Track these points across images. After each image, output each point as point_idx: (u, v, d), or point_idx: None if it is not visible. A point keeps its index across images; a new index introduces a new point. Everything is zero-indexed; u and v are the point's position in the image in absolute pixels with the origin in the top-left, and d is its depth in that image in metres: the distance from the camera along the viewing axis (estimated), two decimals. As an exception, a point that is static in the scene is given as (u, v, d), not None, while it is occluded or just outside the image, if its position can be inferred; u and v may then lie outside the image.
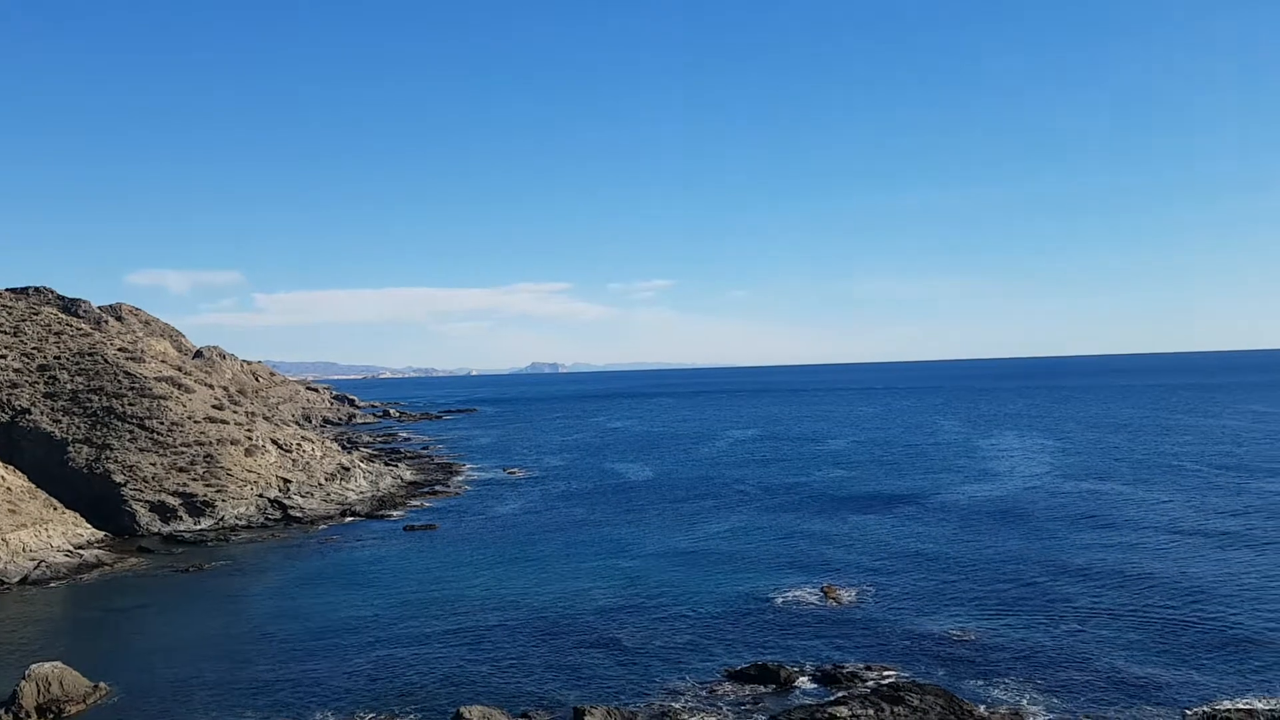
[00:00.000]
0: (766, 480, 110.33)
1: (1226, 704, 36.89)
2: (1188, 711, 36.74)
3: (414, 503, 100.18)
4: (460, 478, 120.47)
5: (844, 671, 42.09)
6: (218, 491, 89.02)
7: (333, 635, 51.61)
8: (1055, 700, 38.87)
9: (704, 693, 40.95)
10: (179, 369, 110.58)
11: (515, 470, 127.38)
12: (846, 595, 56.15)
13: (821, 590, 57.24)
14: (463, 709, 37.76)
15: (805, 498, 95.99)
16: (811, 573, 62.33)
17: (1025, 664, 43.16)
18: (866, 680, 41.12)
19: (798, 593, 57.18)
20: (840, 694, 39.66)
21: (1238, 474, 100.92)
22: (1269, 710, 35.41)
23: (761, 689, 40.99)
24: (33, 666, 42.11)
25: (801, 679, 41.98)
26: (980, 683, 41.03)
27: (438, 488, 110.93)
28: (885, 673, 42.09)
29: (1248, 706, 36.27)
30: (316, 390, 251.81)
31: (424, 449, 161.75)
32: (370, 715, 39.78)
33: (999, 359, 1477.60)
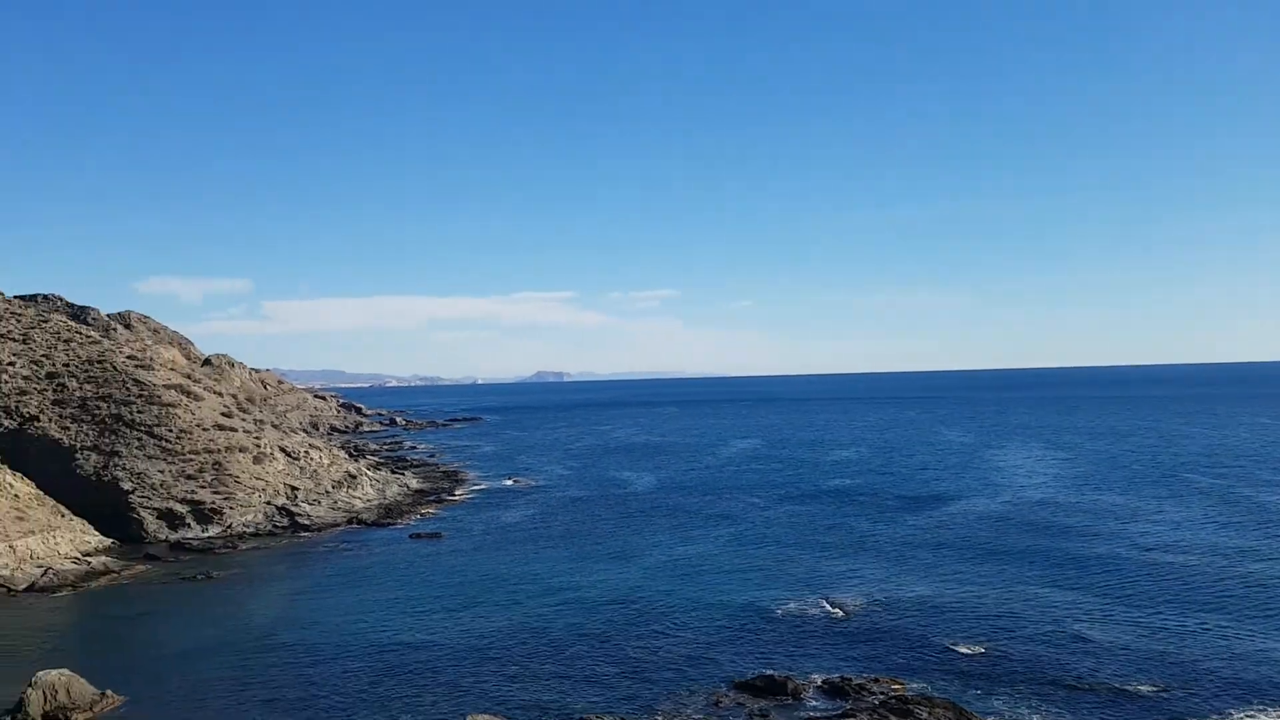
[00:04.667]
0: (770, 490, 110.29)
1: (1231, 716, 36.88)
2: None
3: (420, 511, 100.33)
4: (465, 486, 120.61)
5: (852, 684, 42.07)
6: (226, 499, 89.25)
7: (339, 643, 51.73)
8: (1063, 713, 38.85)
9: (709, 704, 40.97)
10: (188, 376, 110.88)
11: (520, 479, 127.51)
12: (853, 606, 56.12)
13: (828, 601, 57.24)
14: (471, 716, 37.90)
15: (809, 508, 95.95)
16: (817, 583, 62.31)
17: (1032, 677, 43.12)
18: (875, 693, 41.10)
19: (803, 603, 57.17)
20: (848, 707, 39.68)
21: (1242, 485, 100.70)
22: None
23: (767, 701, 40.99)
24: (39, 674, 42.20)
25: (809, 691, 41.98)
26: (989, 696, 41.00)
27: (444, 496, 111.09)
28: (894, 686, 42.08)
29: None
30: (324, 398, 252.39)
31: (430, 457, 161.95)
32: (377, 724, 39.87)
33: (1005, 369, 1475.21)
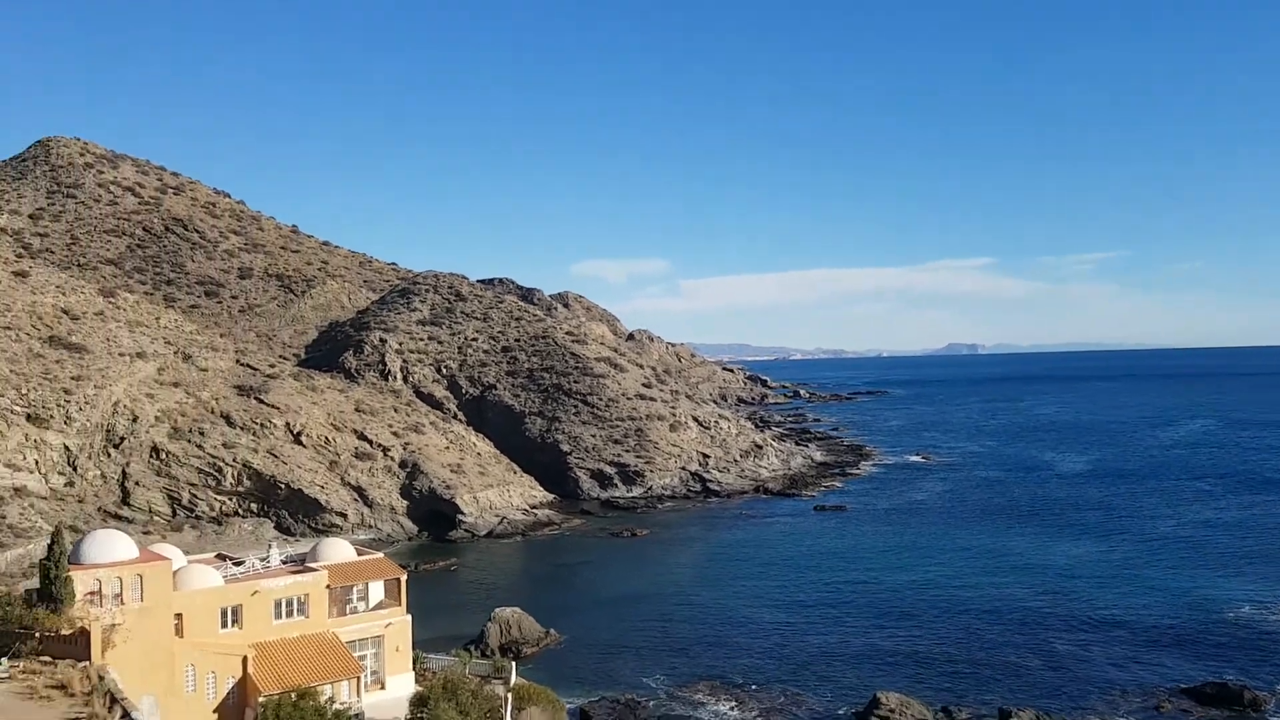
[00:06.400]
0: (1223, 478, 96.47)
1: None
2: None
3: (823, 483, 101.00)
4: (870, 460, 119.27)
5: (1331, 706, 35.65)
6: (647, 463, 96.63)
7: (748, 605, 53.73)
8: None
9: (1149, 708, 36.82)
10: (615, 350, 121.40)
11: (927, 455, 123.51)
12: (1334, 617, 47.47)
13: (1300, 608, 48.97)
14: (880, 694, 37.38)
15: (1273, 498, 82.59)
16: (1285, 587, 53.54)
17: None
18: (1363, 720, 34.50)
19: (1263, 607, 49.44)
20: (1326, 732, 33.72)
21: None
22: None
23: (1219, 710, 35.99)
24: (497, 610, 48.63)
25: (1270, 704, 36.28)
26: None
27: (847, 470, 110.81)
28: (1390, 714, 35.01)
29: None
30: (732, 371, 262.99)
31: (833, 430, 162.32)
32: (784, 686, 40.80)
33: None
